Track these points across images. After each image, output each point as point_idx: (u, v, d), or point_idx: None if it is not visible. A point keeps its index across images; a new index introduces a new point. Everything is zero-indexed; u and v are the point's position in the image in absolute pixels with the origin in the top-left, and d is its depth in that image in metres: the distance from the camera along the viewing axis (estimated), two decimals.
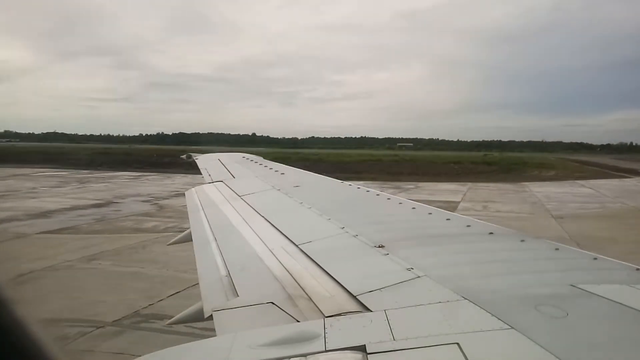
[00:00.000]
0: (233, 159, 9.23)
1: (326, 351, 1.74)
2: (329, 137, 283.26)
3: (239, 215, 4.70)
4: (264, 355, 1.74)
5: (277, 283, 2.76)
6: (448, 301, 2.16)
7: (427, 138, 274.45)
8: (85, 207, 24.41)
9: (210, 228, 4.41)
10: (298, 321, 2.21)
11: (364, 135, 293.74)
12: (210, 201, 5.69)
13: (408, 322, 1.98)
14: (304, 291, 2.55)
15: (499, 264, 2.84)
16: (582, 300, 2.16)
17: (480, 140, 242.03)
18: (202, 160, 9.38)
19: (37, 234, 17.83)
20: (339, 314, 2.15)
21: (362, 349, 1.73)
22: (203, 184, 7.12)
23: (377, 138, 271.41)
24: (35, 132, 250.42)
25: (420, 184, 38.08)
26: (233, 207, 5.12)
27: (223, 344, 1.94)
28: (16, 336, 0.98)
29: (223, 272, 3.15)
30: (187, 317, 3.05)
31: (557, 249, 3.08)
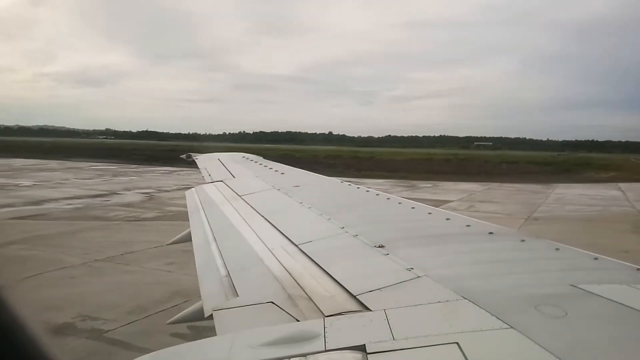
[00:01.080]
0: (233, 159, 9.23)
1: (326, 351, 1.74)
2: (406, 136, 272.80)
3: (238, 215, 4.70)
4: (264, 355, 1.74)
5: (277, 283, 2.76)
6: (448, 301, 2.16)
7: (512, 137, 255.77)
8: (85, 197, 25.78)
9: (210, 228, 4.41)
10: (298, 321, 2.21)
11: (443, 134, 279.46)
12: (210, 201, 5.68)
13: (408, 321, 1.98)
14: (304, 291, 2.55)
15: (499, 264, 2.84)
16: (582, 300, 2.16)
17: (573, 140, 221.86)
18: (202, 160, 9.37)
19: (6, 219, 19.03)
20: (339, 314, 2.15)
21: (362, 348, 1.73)
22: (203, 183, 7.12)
23: (458, 137, 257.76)
24: (133, 130, 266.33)
25: (441, 183, 37.62)
26: (233, 206, 5.12)
27: (223, 344, 1.94)
28: (15, 336, 0.98)
29: (223, 272, 3.15)
30: (187, 316, 3.05)
31: (557, 249, 3.07)
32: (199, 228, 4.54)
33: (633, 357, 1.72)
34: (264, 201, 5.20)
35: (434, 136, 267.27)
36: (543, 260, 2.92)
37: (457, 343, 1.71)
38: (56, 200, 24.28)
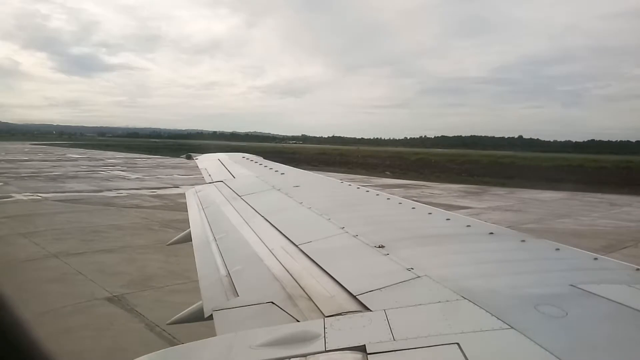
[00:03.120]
0: (233, 159, 9.23)
1: (326, 351, 1.74)
2: (614, 140, 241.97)
3: (238, 215, 4.70)
4: (264, 355, 1.74)
5: (277, 283, 2.76)
6: (448, 301, 2.16)
7: None
8: (146, 188, 30.34)
9: (210, 228, 4.41)
10: (298, 321, 2.21)
11: None
12: (210, 201, 5.69)
13: (408, 322, 1.98)
14: (304, 291, 2.55)
15: (499, 264, 2.84)
16: (582, 300, 2.16)
17: None
18: (202, 160, 9.39)
19: (52, 200, 23.64)
20: (339, 314, 2.15)
21: (362, 349, 1.73)
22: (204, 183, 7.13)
23: None
24: (324, 136, 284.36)
25: (520, 191, 35.45)
26: (233, 207, 5.12)
27: (223, 344, 1.94)
28: (14, 336, 0.98)
29: (223, 272, 3.15)
30: (187, 317, 3.05)
31: (557, 249, 3.07)
32: (199, 228, 4.54)
33: (633, 357, 1.72)
34: (264, 201, 5.20)
35: None
36: (543, 261, 2.92)
37: (457, 343, 1.71)
38: (119, 189, 29.07)
